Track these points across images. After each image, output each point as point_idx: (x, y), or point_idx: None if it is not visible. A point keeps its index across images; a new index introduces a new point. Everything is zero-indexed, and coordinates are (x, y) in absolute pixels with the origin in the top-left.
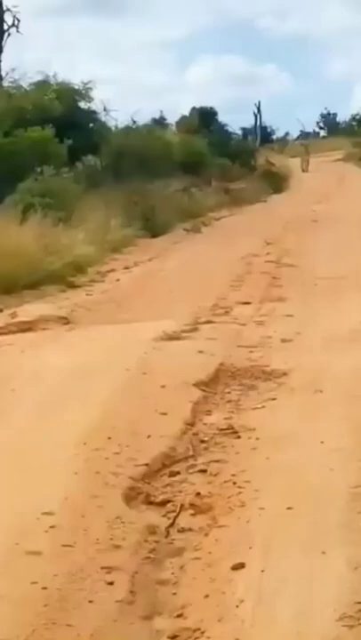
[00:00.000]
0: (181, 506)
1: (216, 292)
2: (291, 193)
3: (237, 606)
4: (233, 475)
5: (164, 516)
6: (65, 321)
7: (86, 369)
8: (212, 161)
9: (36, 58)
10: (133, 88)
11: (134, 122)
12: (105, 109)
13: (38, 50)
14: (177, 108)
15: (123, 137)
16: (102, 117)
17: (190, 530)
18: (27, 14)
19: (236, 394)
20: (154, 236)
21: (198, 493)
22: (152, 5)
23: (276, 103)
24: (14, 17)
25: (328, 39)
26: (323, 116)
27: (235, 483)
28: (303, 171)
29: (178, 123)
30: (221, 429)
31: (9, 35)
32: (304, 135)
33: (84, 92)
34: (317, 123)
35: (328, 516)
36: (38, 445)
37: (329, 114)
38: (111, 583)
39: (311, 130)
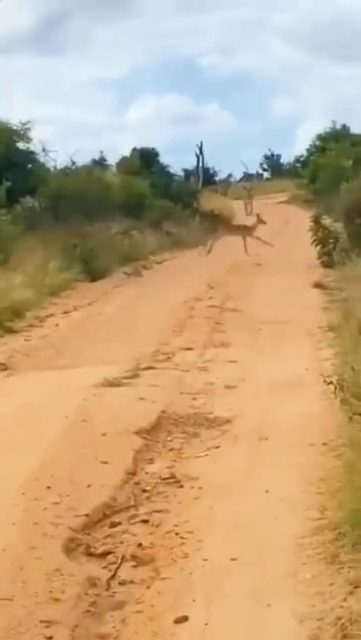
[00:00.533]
0: (123, 557)
1: (158, 337)
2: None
3: None
4: (175, 525)
5: (104, 567)
6: (3, 367)
7: (25, 416)
8: (153, 203)
9: None
10: (73, 128)
11: (73, 162)
12: (44, 150)
13: None
14: (117, 148)
15: (62, 178)
16: (41, 158)
17: (132, 582)
18: None
19: (179, 442)
20: (94, 279)
21: (140, 544)
22: (92, 44)
23: (219, 143)
24: None
25: (272, 78)
26: (266, 157)
27: (177, 533)
28: (247, 214)
29: (118, 164)
30: (164, 478)
31: None
32: (247, 177)
33: (22, 132)
34: (261, 164)
35: (273, 567)
36: None
37: (273, 155)
38: (50, 638)
39: (255, 171)
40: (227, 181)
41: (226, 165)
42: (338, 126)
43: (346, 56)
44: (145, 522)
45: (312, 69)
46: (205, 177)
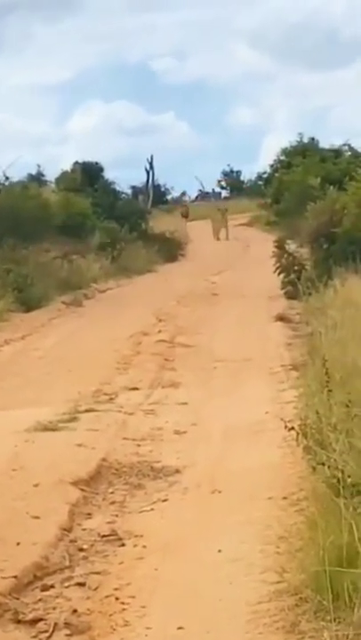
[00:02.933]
0: (55, 625)
1: (99, 375)
2: (187, 262)
3: None
4: (116, 589)
5: (34, 637)
6: None
7: None
8: (96, 224)
9: None
10: (8, 138)
11: (7, 178)
12: None
13: None
14: (57, 161)
15: None
16: None
17: None
18: None
19: (121, 494)
20: (28, 309)
21: (75, 610)
22: (32, 44)
23: (173, 158)
24: None
25: (233, 85)
26: (225, 173)
27: (118, 598)
28: (217, 239)
29: (58, 179)
30: (103, 535)
31: None
32: (203, 195)
33: None
34: (219, 181)
35: (225, 638)
36: None
37: (232, 171)
38: None
39: (211, 189)
40: (180, 200)
41: (180, 182)
42: (305, 139)
43: (315, 63)
44: (81, 585)
45: (277, 77)
46: (156, 195)
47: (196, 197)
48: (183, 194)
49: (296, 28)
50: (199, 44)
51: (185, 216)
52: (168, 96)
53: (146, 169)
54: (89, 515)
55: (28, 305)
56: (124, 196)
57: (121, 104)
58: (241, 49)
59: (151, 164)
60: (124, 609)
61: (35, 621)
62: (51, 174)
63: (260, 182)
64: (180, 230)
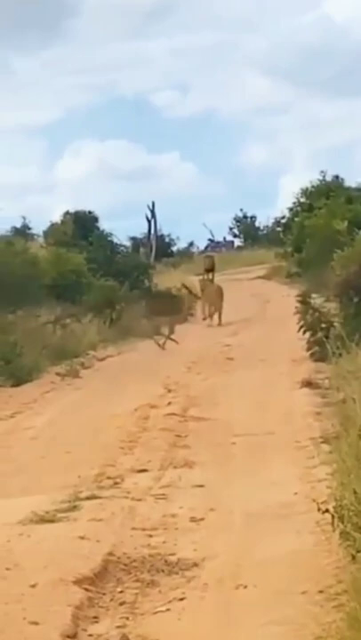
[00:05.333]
0: None
1: (102, 456)
2: (197, 322)
3: None
4: None
5: None
6: None
7: None
8: (92, 282)
9: None
10: None
11: None
12: None
13: None
14: (45, 212)
15: None
16: None
17: None
18: None
19: (132, 593)
20: (17, 383)
21: None
22: (12, 79)
23: (177, 204)
24: None
25: (243, 119)
26: (237, 219)
27: None
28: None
29: (46, 232)
30: None
31: None
32: (214, 245)
33: None
34: (231, 229)
35: None
36: None
37: (245, 217)
38: None
39: (222, 238)
40: (187, 252)
41: (186, 231)
42: (328, 178)
43: (336, 91)
44: None
45: (293, 108)
46: (160, 247)
47: (206, 248)
48: (191, 245)
49: (313, 53)
50: (203, 74)
51: (209, 269)
52: (170, 134)
53: (147, 217)
54: (95, 618)
55: (17, 378)
56: (122, 249)
57: (116, 144)
58: (251, 77)
59: (153, 211)
60: None
61: None
62: (38, 227)
63: (279, 228)
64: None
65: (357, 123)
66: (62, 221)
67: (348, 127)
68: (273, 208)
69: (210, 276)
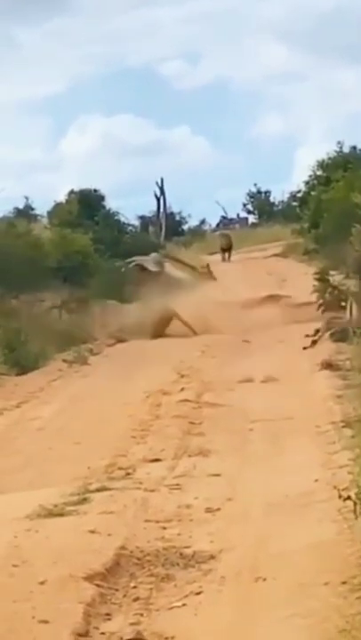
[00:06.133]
0: None
1: (112, 446)
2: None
3: None
4: None
5: None
6: None
7: None
8: (99, 264)
9: None
10: None
11: None
12: None
13: None
14: (49, 192)
15: None
16: None
17: None
18: None
19: (146, 588)
20: (23, 371)
21: None
22: (15, 52)
23: (188, 180)
24: None
25: (257, 89)
26: (251, 195)
27: None
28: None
29: (51, 213)
30: None
31: None
32: (227, 222)
33: None
34: (245, 205)
35: None
36: None
37: (260, 192)
38: None
39: (236, 214)
40: (199, 230)
41: (197, 209)
42: (346, 149)
43: (354, 56)
44: None
45: (310, 76)
46: (170, 225)
47: (218, 225)
48: (202, 222)
49: (330, 17)
50: (214, 42)
51: (226, 249)
52: (180, 106)
53: (156, 195)
54: (108, 615)
55: (23, 366)
56: (130, 228)
57: (123, 118)
58: (265, 44)
59: (162, 188)
60: None
61: None
62: (42, 207)
63: (295, 203)
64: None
65: None
66: (67, 201)
67: None
68: (288, 182)
69: (226, 255)
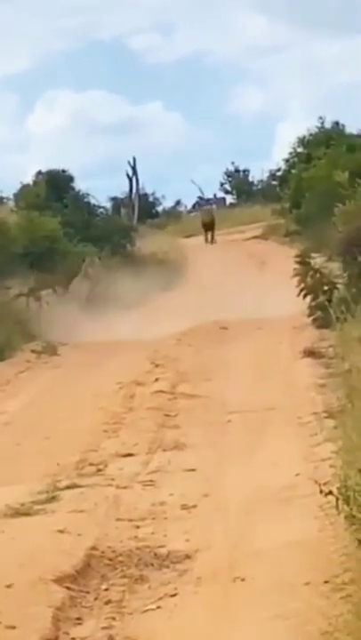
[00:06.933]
0: None
1: (83, 441)
2: (188, 289)
3: None
4: None
5: None
6: None
7: None
8: (69, 249)
9: None
10: None
11: None
12: None
13: None
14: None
15: None
16: None
17: None
18: None
19: (118, 590)
20: None
21: None
22: None
23: (162, 159)
24: None
25: (234, 62)
26: (229, 174)
27: None
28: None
29: (17, 195)
30: None
31: None
32: (204, 203)
33: None
34: (222, 184)
35: None
36: None
37: (237, 171)
38: None
39: (213, 195)
40: (174, 211)
41: (172, 189)
42: (328, 125)
43: (337, 28)
44: None
45: (290, 49)
46: (143, 207)
47: (194, 206)
48: (177, 203)
49: None
50: (189, 13)
51: (209, 226)
52: (153, 81)
53: (128, 175)
54: (78, 620)
55: None
56: (101, 211)
57: (94, 95)
58: (243, 16)
59: (134, 168)
60: None
61: None
62: (7, 189)
63: (274, 182)
64: (176, 250)
65: (359, 63)
66: (34, 182)
67: (349, 68)
68: (268, 160)
69: (209, 236)
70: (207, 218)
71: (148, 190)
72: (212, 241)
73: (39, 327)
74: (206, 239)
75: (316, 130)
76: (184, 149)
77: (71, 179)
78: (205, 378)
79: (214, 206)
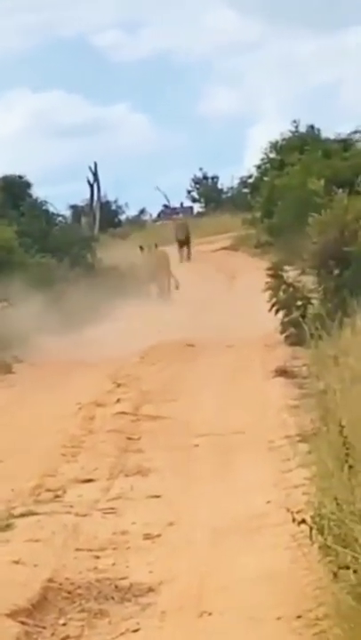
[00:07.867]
0: None
1: (40, 465)
2: (152, 304)
3: None
4: None
5: None
6: None
7: None
8: (25, 260)
9: None
10: None
11: None
12: None
13: None
14: None
15: None
16: None
17: None
18: None
19: (77, 626)
20: None
21: None
22: None
23: (126, 164)
24: None
25: (204, 61)
26: (196, 181)
27: None
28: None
29: None
30: None
31: None
32: (169, 212)
33: None
34: (189, 192)
35: None
36: None
37: (206, 177)
38: None
39: (179, 203)
40: (138, 220)
41: (136, 197)
42: (302, 128)
43: (312, 26)
44: None
45: (263, 47)
46: (105, 215)
47: (159, 215)
48: (142, 212)
49: None
50: (155, 9)
51: (184, 242)
52: (117, 81)
53: (89, 181)
54: None
55: None
56: (60, 219)
57: (54, 95)
58: (213, 11)
59: (95, 174)
60: None
61: None
62: None
63: (245, 190)
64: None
65: (337, 62)
66: None
67: (326, 68)
68: (238, 166)
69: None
70: (182, 234)
71: (111, 198)
72: (188, 258)
73: None
74: (182, 256)
75: (290, 134)
76: (150, 154)
77: (28, 185)
78: (170, 398)
79: (181, 215)
